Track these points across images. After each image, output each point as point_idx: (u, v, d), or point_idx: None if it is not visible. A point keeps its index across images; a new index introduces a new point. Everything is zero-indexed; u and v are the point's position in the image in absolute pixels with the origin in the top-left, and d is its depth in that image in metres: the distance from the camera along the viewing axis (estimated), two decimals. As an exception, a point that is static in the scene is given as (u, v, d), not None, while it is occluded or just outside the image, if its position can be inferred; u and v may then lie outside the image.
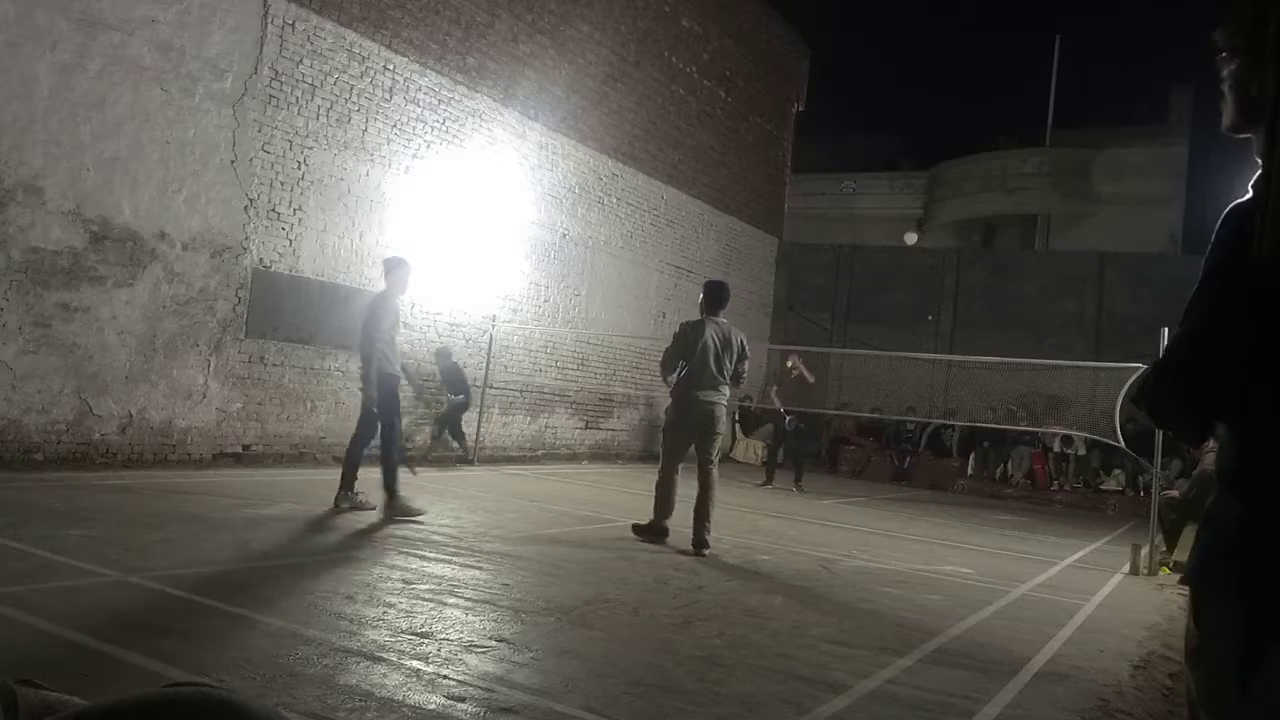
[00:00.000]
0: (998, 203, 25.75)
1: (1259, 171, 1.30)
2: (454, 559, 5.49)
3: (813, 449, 13.03)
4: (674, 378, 6.73)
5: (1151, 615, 5.80)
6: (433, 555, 5.49)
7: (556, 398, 13.11)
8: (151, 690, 0.73)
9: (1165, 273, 15.61)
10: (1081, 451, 14.52)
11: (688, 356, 6.62)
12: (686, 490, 6.75)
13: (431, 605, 4.34)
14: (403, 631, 3.80)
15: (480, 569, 5.19)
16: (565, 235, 12.96)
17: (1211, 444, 1.42)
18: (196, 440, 8.42)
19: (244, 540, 5.26)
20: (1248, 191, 1.33)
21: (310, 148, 9.24)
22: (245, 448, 8.84)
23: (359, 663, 3.33)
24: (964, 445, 15.60)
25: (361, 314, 6.96)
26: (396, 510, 6.56)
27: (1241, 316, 1.22)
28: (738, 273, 17.46)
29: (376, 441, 6.81)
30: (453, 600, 4.48)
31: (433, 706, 2.99)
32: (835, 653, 4.11)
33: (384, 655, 3.44)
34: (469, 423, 11.15)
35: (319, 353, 9.47)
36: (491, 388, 11.57)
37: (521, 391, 12.43)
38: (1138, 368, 8.43)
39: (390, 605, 4.21)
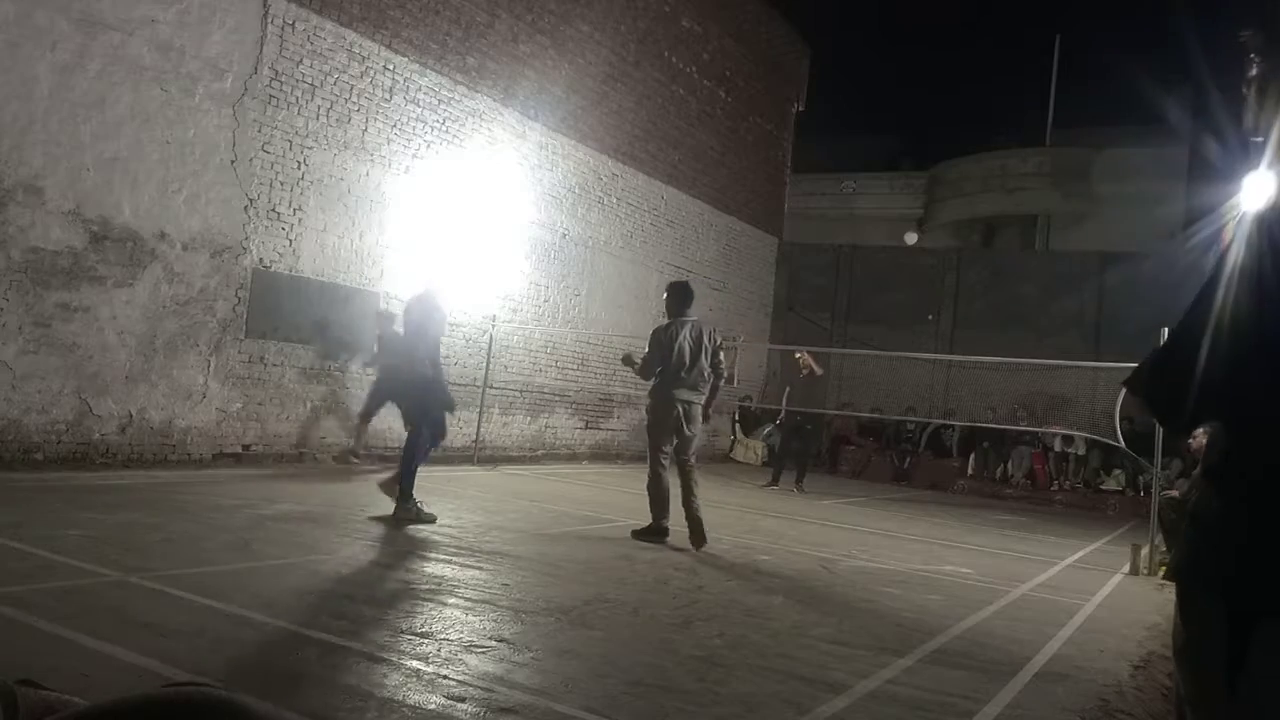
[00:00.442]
0: (998, 203, 25.75)
1: None
2: (454, 559, 5.49)
3: (814, 449, 13.02)
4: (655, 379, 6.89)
5: (1151, 615, 5.80)
6: (433, 555, 5.49)
7: (556, 398, 13.11)
8: (151, 690, 0.73)
9: (1165, 273, 15.60)
10: (1081, 451, 14.52)
11: (666, 359, 6.74)
12: (677, 489, 6.77)
13: (431, 605, 4.34)
14: (403, 631, 3.80)
15: (480, 569, 5.19)
16: (565, 235, 12.96)
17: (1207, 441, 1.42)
18: (196, 440, 8.42)
19: (244, 540, 5.26)
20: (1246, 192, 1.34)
21: (310, 148, 9.25)
22: (245, 448, 8.84)
23: (359, 663, 3.33)
24: (964, 445, 15.61)
25: (415, 319, 6.81)
26: (408, 513, 6.47)
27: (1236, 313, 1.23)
28: (738, 273, 17.47)
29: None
30: (453, 600, 4.48)
31: (433, 706, 2.99)
32: (835, 653, 4.11)
33: (384, 655, 3.44)
34: (468, 422, 11.14)
35: (319, 353, 9.47)
36: (491, 388, 11.57)
37: (521, 391, 12.43)
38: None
39: (390, 605, 4.21)
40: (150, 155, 7.91)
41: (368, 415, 9.59)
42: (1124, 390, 1.57)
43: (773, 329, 18.68)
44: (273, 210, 8.94)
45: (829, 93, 21.10)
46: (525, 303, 12.33)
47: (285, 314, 9.09)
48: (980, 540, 8.98)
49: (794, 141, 19.39)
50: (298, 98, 9.09)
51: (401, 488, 6.49)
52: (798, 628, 4.54)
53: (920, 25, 41.49)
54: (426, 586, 4.71)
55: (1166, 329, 7.58)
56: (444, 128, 10.81)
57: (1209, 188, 17.68)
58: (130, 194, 7.79)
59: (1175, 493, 8.65)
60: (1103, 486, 14.29)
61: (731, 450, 16.97)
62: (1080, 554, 8.63)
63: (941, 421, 15.22)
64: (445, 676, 3.28)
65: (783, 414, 12.66)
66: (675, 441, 6.86)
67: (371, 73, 9.86)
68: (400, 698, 3.04)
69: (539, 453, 12.73)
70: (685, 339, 6.77)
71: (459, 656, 3.53)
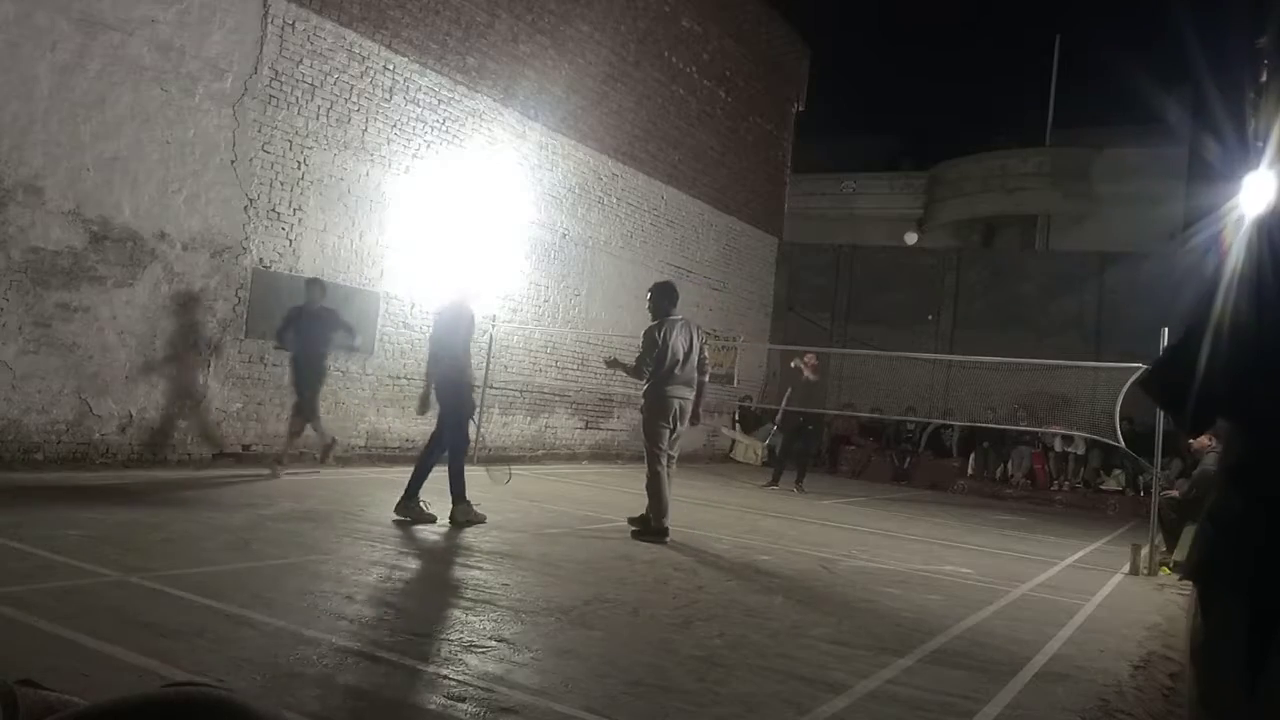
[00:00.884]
0: (998, 203, 25.75)
1: None
2: (454, 559, 5.49)
3: (814, 449, 13.03)
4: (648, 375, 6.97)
5: (1151, 615, 5.80)
6: (433, 555, 5.49)
7: (556, 398, 13.11)
8: (151, 690, 0.73)
9: (1165, 273, 15.60)
10: (1081, 451, 14.52)
11: (660, 358, 6.86)
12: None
13: (431, 605, 4.34)
14: (402, 631, 3.80)
15: (480, 569, 5.19)
16: (565, 235, 12.96)
17: (1210, 442, 1.42)
18: (196, 440, 8.42)
19: (244, 540, 5.26)
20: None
21: (310, 148, 9.25)
22: (245, 448, 8.84)
23: (359, 663, 3.33)
24: (964, 445, 15.61)
25: (445, 322, 6.80)
26: (411, 511, 6.49)
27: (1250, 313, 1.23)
28: (738, 273, 17.47)
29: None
30: (453, 600, 4.48)
31: (433, 706, 2.99)
32: (835, 653, 4.11)
33: (384, 655, 3.44)
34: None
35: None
36: (491, 388, 11.57)
37: (521, 391, 12.43)
38: (1138, 368, 8.42)
39: (390, 605, 4.21)
40: (150, 155, 7.91)
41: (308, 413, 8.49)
42: (1135, 387, 1.58)
43: (773, 329, 18.68)
44: (273, 210, 8.94)
45: (829, 93, 21.11)
46: (525, 303, 12.33)
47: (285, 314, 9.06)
48: (980, 540, 8.98)
49: (794, 141, 19.39)
50: (298, 98, 9.09)
51: (410, 488, 6.53)
52: (798, 628, 4.54)
53: (920, 25, 41.49)
54: (426, 586, 4.71)
55: (1167, 329, 7.60)
56: (444, 128, 10.81)
57: (1209, 188, 17.67)
58: (130, 194, 7.79)
59: (1175, 493, 8.65)
60: (1103, 486, 14.29)
61: (731, 450, 16.96)
62: (1080, 554, 8.63)
63: (941, 421, 15.22)
64: (445, 676, 3.28)
65: (780, 415, 12.67)
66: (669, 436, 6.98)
67: (371, 73, 9.86)
68: (400, 698, 3.04)
69: (539, 453, 12.73)
70: (677, 337, 6.92)
71: (459, 656, 3.53)
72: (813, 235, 21.71)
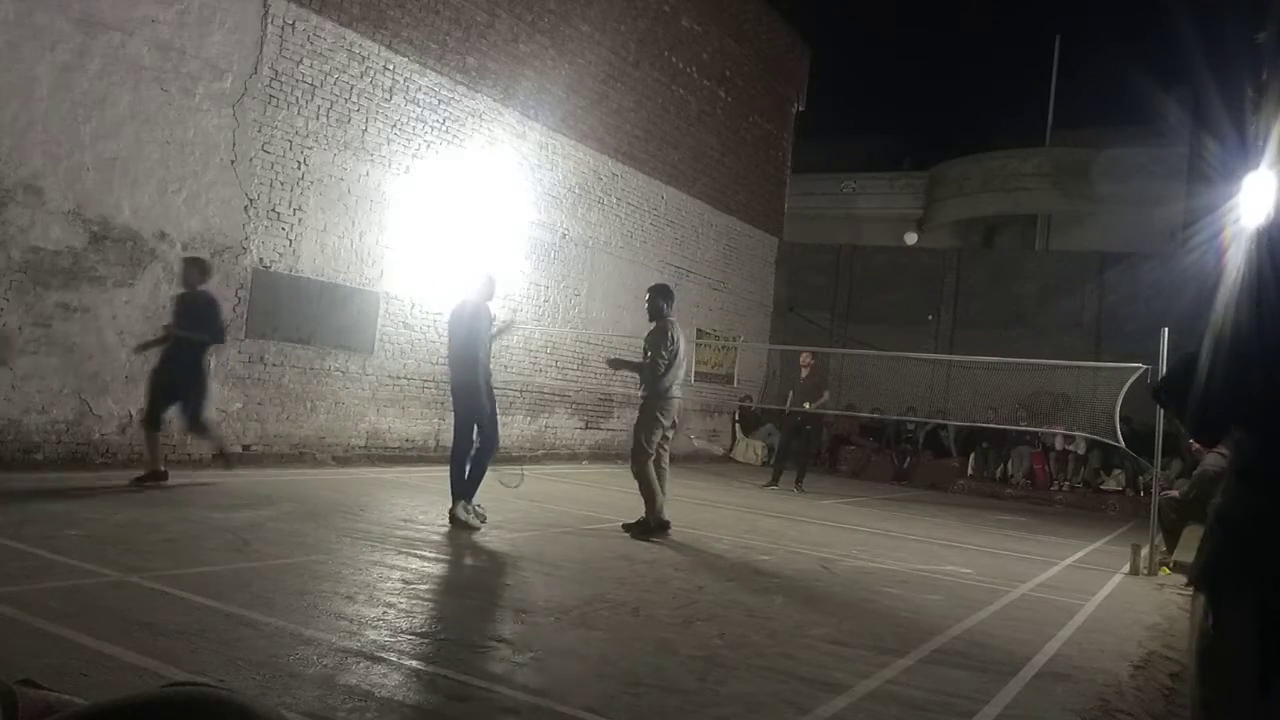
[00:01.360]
0: (998, 203, 25.74)
1: None
2: (454, 559, 5.49)
3: (814, 449, 13.03)
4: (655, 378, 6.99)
5: (1151, 615, 5.80)
6: (433, 555, 5.49)
7: (556, 398, 13.11)
8: (151, 690, 0.73)
9: (1165, 273, 15.61)
10: (1081, 451, 14.52)
11: (672, 358, 6.95)
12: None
13: (431, 605, 4.34)
14: (403, 631, 3.80)
15: (480, 569, 5.19)
16: (565, 235, 12.96)
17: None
18: (197, 440, 8.41)
19: (244, 540, 5.26)
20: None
21: (310, 148, 9.24)
22: (245, 448, 8.83)
23: (359, 663, 3.33)
24: (964, 445, 15.61)
25: (462, 322, 6.73)
26: (459, 518, 6.45)
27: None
28: (738, 273, 17.47)
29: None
30: (453, 600, 4.48)
31: (433, 706, 3.00)
32: (835, 653, 4.11)
33: (384, 655, 3.44)
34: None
35: (319, 353, 9.47)
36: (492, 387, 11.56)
37: (521, 391, 12.43)
38: (1138, 368, 8.43)
39: (390, 605, 4.20)
40: (150, 155, 7.91)
41: (194, 417, 7.30)
42: (1148, 395, 1.58)
43: (773, 329, 18.67)
44: (273, 210, 8.94)
45: (829, 93, 21.11)
46: (525, 303, 12.33)
47: (285, 314, 9.08)
48: (980, 540, 8.98)
49: (794, 141, 19.39)
50: (298, 98, 9.09)
51: (456, 492, 6.50)
52: (798, 628, 4.54)
53: (920, 25, 41.49)
54: (426, 586, 4.71)
55: (1166, 329, 7.60)
56: (444, 128, 10.81)
57: (1208, 188, 17.68)
58: (130, 194, 7.79)
59: (1175, 493, 8.64)
60: (1103, 486, 14.29)
61: (732, 450, 16.97)
62: (1080, 554, 8.63)
63: (937, 421, 15.23)
64: (445, 676, 3.28)
65: (797, 415, 12.69)
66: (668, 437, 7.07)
67: (371, 73, 9.86)
68: (400, 698, 3.04)
69: (539, 453, 12.73)
70: (681, 338, 7.07)
71: (459, 656, 3.53)
72: (813, 235, 21.71)
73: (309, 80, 9.18)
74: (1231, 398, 1.25)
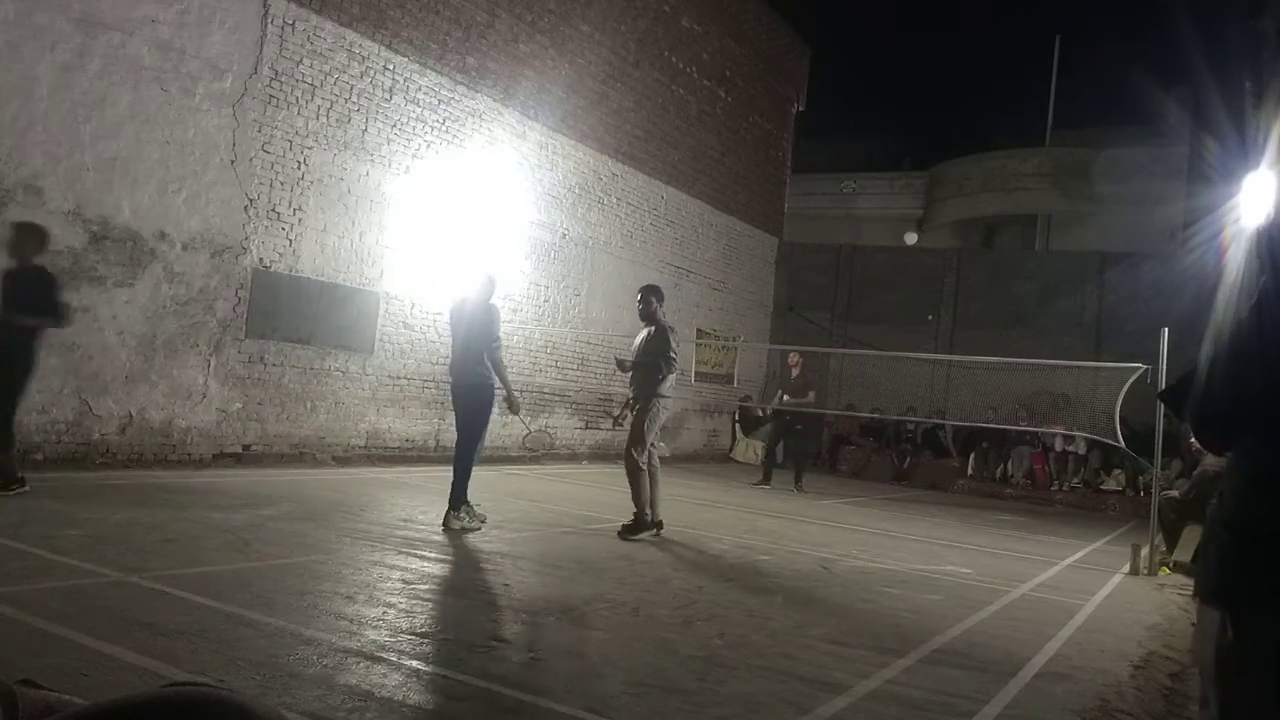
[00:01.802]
0: (998, 203, 25.74)
1: None
2: (454, 559, 5.49)
3: (813, 449, 13.04)
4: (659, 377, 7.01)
5: (1151, 615, 5.80)
6: (433, 555, 5.49)
7: (556, 398, 13.11)
8: (151, 690, 0.73)
9: (1165, 273, 15.61)
10: (1081, 451, 14.52)
11: (676, 358, 7.01)
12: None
13: (431, 605, 4.34)
14: (403, 631, 3.80)
15: (480, 569, 5.19)
16: (565, 235, 12.96)
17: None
18: (196, 440, 8.42)
19: (244, 540, 5.26)
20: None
21: (310, 148, 9.25)
22: (245, 448, 8.84)
23: (359, 663, 3.33)
24: (964, 445, 15.61)
25: (476, 322, 6.57)
26: (454, 526, 6.36)
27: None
28: (738, 273, 17.46)
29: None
30: (453, 600, 4.48)
31: (433, 706, 3.00)
32: (835, 653, 4.11)
33: (384, 655, 3.44)
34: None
35: (319, 353, 9.47)
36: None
37: (521, 391, 12.38)
38: (1138, 368, 8.42)
39: (390, 605, 4.20)
40: (150, 155, 7.91)
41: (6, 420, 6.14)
42: (1158, 401, 1.57)
43: (773, 329, 18.67)
44: (273, 210, 8.94)
45: (829, 93, 21.11)
46: (525, 303, 12.33)
47: (285, 314, 9.09)
48: (980, 540, 8.98)
49: (794, 141, 19.39)
50: (298, 98, 9.09)
51: (458, 498, 6.41)
52: (798, 628, 4.54)
53: (920, 25, 41.49)
54: (426, 586, 4.71)
55: (1166, 329, 7.60)
56: (444, 128, 10.81)
57: (1208, 188, 17.66)
58: (130, 194, 7.79)
59: (1175, 493, 8.65)
60: (1103, 486, 14.29)
61: (732, 450, 16.97)
62: (1080, 554, 8.63)
63: (935, 421, 15.23)
64: (445, 676, 3.28)
65: (770, 411, 12.84)
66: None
67: (371, 73, 9.86)
68: (400, 698, 3.04)
69: (539, 453, 12.73)
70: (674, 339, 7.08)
71: (459, 656, 3.53)
72: (813, 235, 21.71)
73: (309, 80, 9.18)
74: (1233, 398, 1.25)
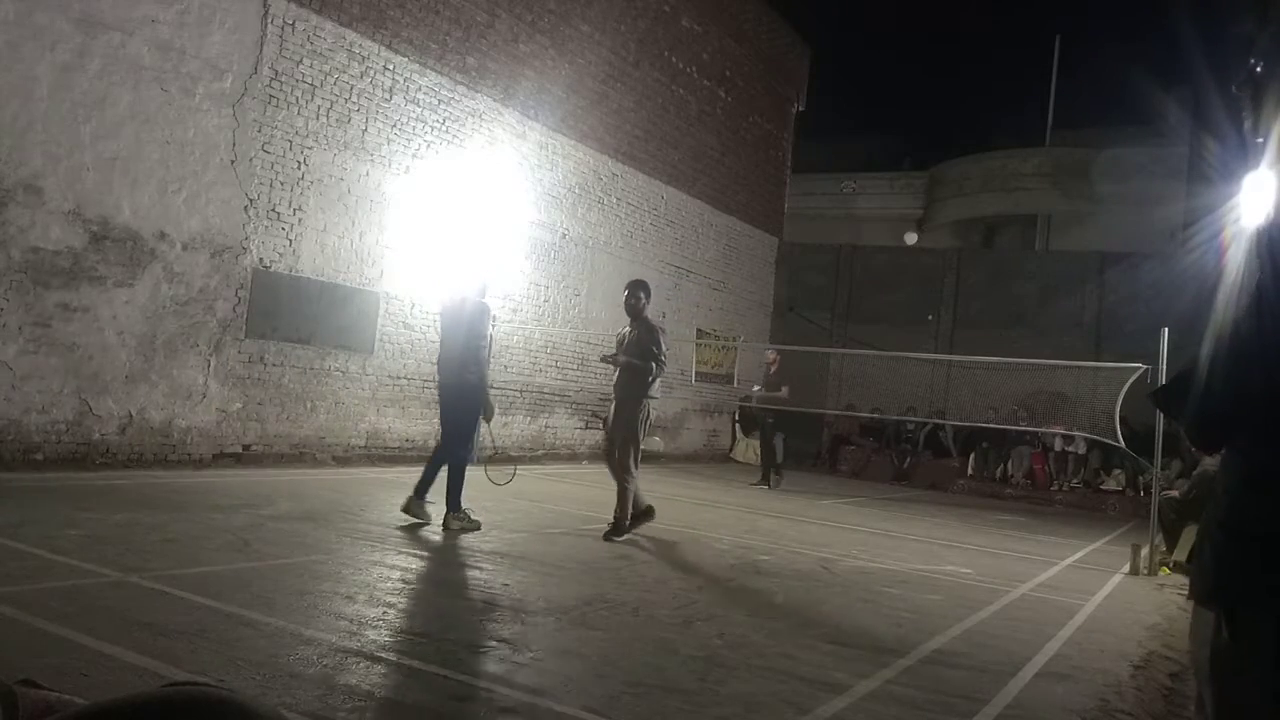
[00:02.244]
0: (998, 203, 25.75)
1: None
2: (454, 559, 5.49)
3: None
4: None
5: (1151, 615, 5.80)
6: (433, 555, 5.49)
7: (556, 398, 13.11)
8: (151, 690, 0.73)
9: (1165, 273, 15.61)
10: (1081, 451, 14.52)
11: (665, 361, 6.92)
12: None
13: (431, 605, 4.34)
14: (403, 631, 3.80)
15: (480, 569, 5.19)
16: (565, 235, 12.96)
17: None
18: (196, 440, 8.42)
19: (244, 540, 5.26)
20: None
21: (310, 148, 9.25)
22: (245, 448, 8.84)
23: (359, 663, 3.33)
24: (964, 445, 15.61)
25: (468, 322, 6.51)
26: (460, 520, 6.36)
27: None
28: (738, 273, 17.46)
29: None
30: (453, 600, 4.48)
31: (433, 706, 2.99)
32: (835, 653, 4.11)
33: (384, 655, 3.44)
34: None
35: (319, 353, 9.47)
36: (491, 388, 11.52)
37: (521, 391, 12.43)
38: (1138, 367, 8.43)
39: (390, 605, 4.21)
40: (150, 155, 7.91)
41: None
42: (1150, 401, 1.56)
43: (773, 329, 18.68)
44: (273, 210, 8.94)
45: (829, 93, 21.12)
46: (525, 303, 12.33)
47: (285, 314, 9.08)
48: (980, 540, 8.98)
49: (794, 141, 19.39)
50: (298, 98, 9.09)
51: (453, 500, 6.38)
52: (798, 628, 4.54)
53: (920, 26, 41.51)
54: (426, 586, 4.71)
55: (1166, 329, 7.59)
56: (444, 128, 10.81)
57: (1209, 188, 17.68)
58: (130, 194, 7.79)
59: (1175, 493, 8.65)
60: (1103, 486, 14.29)
61: (732, 450, 16.97)
62: (1080, 554, 8.63)
63: (935, 421, 15.24)
64: (445, 676, 3.28)
65: (740, 410, 13.02)
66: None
67: (371, 73, 9.86)
68: (400, 698, 3.04)
69: (539, 453, 12.73)
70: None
71: (459, 656, 3.53)
72: (813, 235, 21.71)
73: (309, 80, 9.18)
74: (1232, 398, 1.24)
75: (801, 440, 17.12)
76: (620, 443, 6.88)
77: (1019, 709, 3.56)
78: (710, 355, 16.51)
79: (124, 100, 7.67)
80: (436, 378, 7.03)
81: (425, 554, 5.50)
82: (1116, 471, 14.19)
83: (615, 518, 6.74)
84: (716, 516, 8.76)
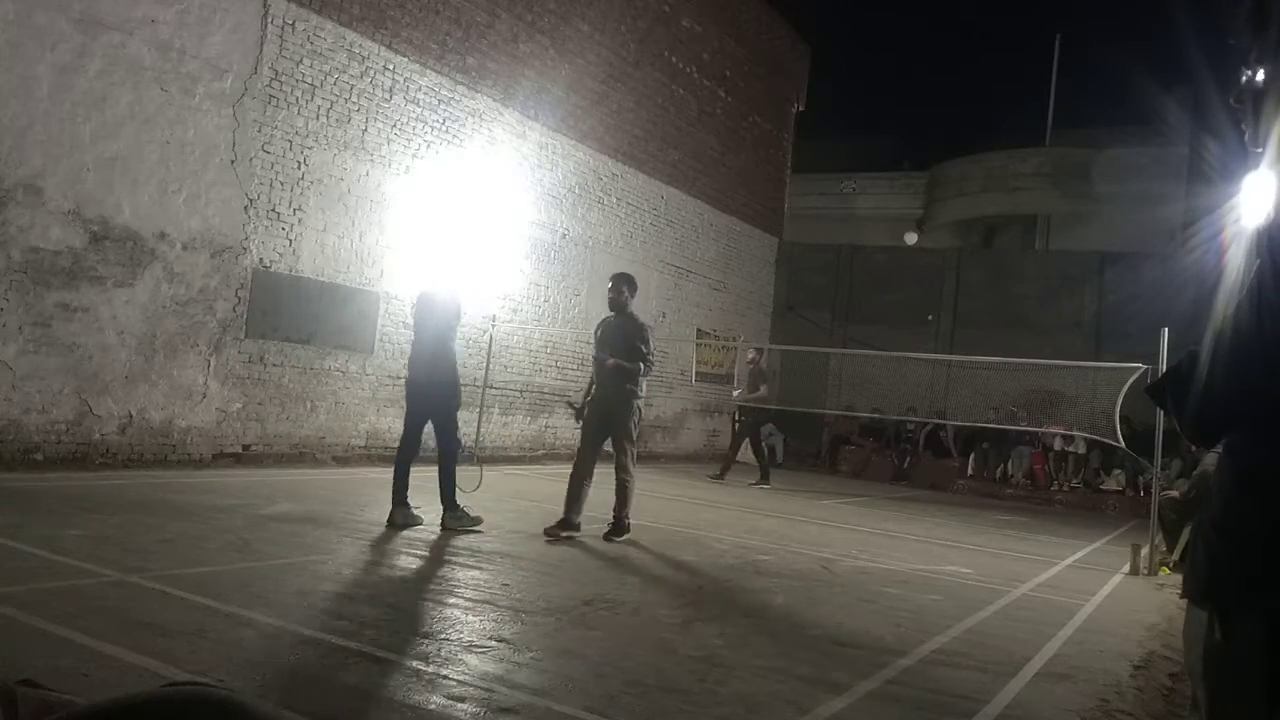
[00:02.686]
0: (998, 203, 25.73)
1: None
2: (454, 559, 5.49)
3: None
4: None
5: (1151, 615, 5.80)
6: (432, 555, 5.49)
7: (556, 398, 13.10)
8: (151, 690, 0.73)
9: (1165, 273, 15.60)
10: (1081, 451, 14.52)
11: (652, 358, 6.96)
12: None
13: (431, 605, 4.34)
14: (402, 631, 3.80)
15: (480, 569, 5.19)
16: (565, 235, 12.96)
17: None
18: (196, 440, 8.42)
19: (244, 540, 5.26)
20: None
21: (310, 148, 9.25)
22: (245, 448, 8.84)
23: (359, 663, 3.33)
24: (964, 445, 15.61)
25: (444, 314, 6.46)
26: (458, 520, 6.34)
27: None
28: (738, 273, 17.46)
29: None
30: (453, 600, 4.48)
31: (433, 706, 2.99)
32: (835, 653, 4.11)
33: (384, 655, 3.44)
34: (468, 422, 11.12)
35: (319, 353, 9.47)
36: (491, 388, 11.56)
37: (521, 391, 12.43)
38: (1138, 368, 8.43)
39: (390, 605, 4.21)
40: (150, 155, 7.91)
41: None
42: (1146, 395, 1.56)
43: (773, 329, 18.68)
44: (273, 210, 8.94)
45: (829, 93, 21.12)
46: (525, 303, 12.33)
47: (285, 314, 9.09)
48: (980, 540, 8.98)
49: (794, 141, 19.39)
50: (298, 98, 9.09)
51: (449, 499, 6.37)
52: (798, 628, 4.54)
53: (920, 26, 41.51)
54: (426, 586, 4.71)
55: (1167, 329, 7.59)
56: (444, 128, 10.81)
57: (1209, 188, 17.68)
58: (130, 194, 7.79)
59: (1175, 493, 8.65)
60: (1103, 486, 14.29)
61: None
62: (1080, 554, 8.63)
63: (936, 421, 15.23)
64: (445, 676, 3.28)
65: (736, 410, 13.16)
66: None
67: (371, 73, 9.86)
68: (400, 698, 3.04)
69: (539, 453, 12.73)
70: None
71: (459, 656, 3.53)
72: (813, 235, 21.69)
73: (309, 80, 9.18)
74: (1232, 397, 1.24)
75: (801, 440, 17.12)
76: (618, 446, 6.87)
77: (1019, 709, 3.56)
78: (710, 355, 16.51)
79: (124, 100, 7.67)
80: (405, 374, 6.96)
81: (425, 554, 5.50)
82: (1116, 471, 14.18)
83: (615, 517, 6.75)
84: (717, 516, 8.76)
